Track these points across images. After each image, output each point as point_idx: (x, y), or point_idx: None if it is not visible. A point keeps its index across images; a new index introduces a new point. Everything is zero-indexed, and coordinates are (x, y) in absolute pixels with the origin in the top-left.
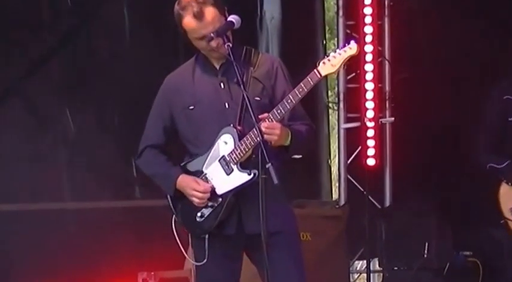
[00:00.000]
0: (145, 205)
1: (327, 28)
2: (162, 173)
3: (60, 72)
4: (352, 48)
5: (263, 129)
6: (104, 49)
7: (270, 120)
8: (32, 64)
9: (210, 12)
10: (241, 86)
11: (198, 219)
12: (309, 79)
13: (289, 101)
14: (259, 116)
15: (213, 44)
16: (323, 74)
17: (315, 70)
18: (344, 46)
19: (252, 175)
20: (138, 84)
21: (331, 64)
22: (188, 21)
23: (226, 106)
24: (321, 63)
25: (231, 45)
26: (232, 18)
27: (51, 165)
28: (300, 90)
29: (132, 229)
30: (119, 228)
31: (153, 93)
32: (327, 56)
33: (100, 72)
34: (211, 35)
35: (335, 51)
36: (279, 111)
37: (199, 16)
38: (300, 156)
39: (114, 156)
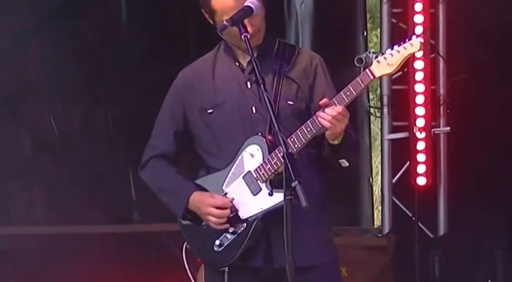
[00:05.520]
0: (146, 230)
1: (368, 16)
2: (172, 189)
3: (40, 59)
4: (414, 44)
5: (333, 112)
6: (95, 35)
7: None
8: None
9: None
10: (262, 87)
11: (216, 248)
12: (360, 81)
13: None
14: (320, 102)
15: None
16: (377, 74)
17: (368, 70)
18: (404, 42)
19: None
20: (138, 78)
21: (387, 63)
22: None
23: (253, 110)
24: (374, 62)
25: (248, 35)
26: (249, 2)
27: (29, 180)
28: (348, 93)
29: (130, 260)
30: (114, 258)
31: (159, 90)
32: (383, 54)
33: (89, 61)
34: (225, 23)
35: (392, 48)
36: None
37: None
38: (348, 164)
39: (108, 169)
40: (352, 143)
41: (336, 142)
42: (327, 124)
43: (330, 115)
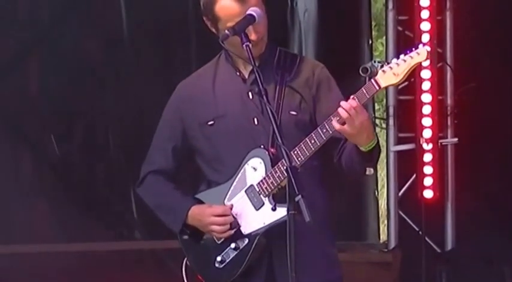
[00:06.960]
0: (147, 248)
1: (373, 24)
2: (169, 205)
3: (39, 76)
4: (420, 53)
5: (347, 105)
6: (95, 51)
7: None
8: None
9: None
10: (265, 99)
11: (217, 265)
12: (365, 91)
13: (338, 118)
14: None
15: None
16: (383, 85)
17: (373, 80)
18: (410, 51)
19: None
20: (138, 96)
21: (393, 73)
22: (227, 4)
23: (255, 122)
24: (380, 72)
25: (250, 45)
26: (252, 11)
27: (29, 197)
28: None
29: (131, 277)
30: (115, 276)
31: (158, 107)
32: (388, 63)
33: (90, 79)
34: (227, 32)
35: (398, 58)
36: (324, 130)
37: None
38: (372, 172)
39: (109, 186)
40: (379, 149)
41: (363, 149)
42: (344, 114)
43: (345, 107)
